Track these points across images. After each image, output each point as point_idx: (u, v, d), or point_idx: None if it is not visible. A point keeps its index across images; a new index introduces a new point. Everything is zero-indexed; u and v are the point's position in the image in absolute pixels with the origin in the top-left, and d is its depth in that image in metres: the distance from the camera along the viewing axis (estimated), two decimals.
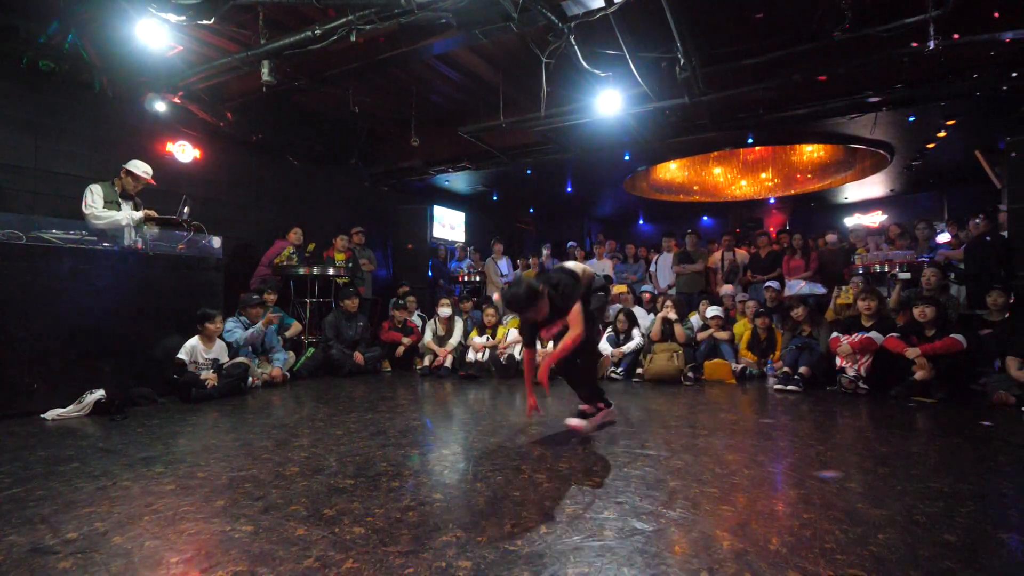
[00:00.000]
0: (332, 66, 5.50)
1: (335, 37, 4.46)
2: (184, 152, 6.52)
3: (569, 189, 11.18)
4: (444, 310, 6.25)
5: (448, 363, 5.95)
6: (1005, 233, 5.43)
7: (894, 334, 4.59)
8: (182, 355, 4.37)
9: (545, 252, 9.46)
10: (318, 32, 4.46)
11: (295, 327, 5.92)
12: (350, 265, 7.06)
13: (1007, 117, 6.85)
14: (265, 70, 4.86)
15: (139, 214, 4.68)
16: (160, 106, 5.77)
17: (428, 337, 6.21)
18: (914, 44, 4.71)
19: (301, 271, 6.35)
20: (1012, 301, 4.69)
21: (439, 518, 1.91)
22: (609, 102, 5.70)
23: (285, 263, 6.45)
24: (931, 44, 4.55)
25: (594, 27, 4.56)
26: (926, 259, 5.99)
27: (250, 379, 4.76)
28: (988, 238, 5.48)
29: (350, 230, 7.49)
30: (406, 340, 6.26)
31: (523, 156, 8.16)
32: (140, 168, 4.78)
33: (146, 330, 4.40)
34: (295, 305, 6.47)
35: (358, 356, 5.86)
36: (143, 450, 2.84)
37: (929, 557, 1.60)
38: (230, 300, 5.38)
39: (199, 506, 2.03)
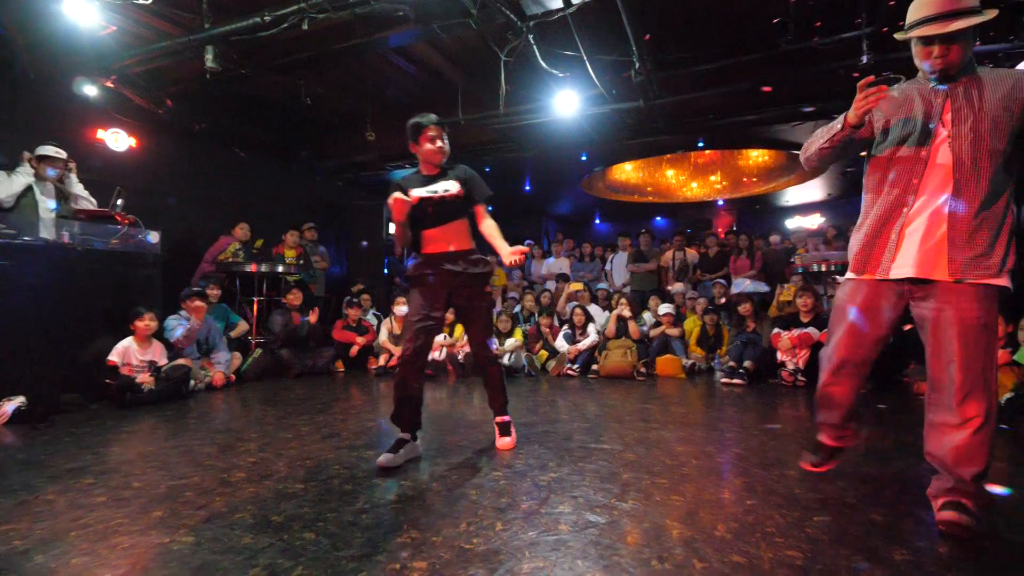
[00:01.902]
0: (283, 55, 5.30)
1: (286, 25, 4.30)
2: (118, 140, 6.14)
3: (528, 188, 11.22)
4: (401, 308, 6.14)
5: None
6: None
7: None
8: (113, 357, 4.10)
9: None
10: (267, 18, 4.30)
11: (241, 327, 5.68)
12: (301, 262, 6.84)
13: None
14: (209, 56, 4.64)
15: (52, 203, 4.25)
16: (90, 90, 5.40)
17: (384, 336, 6.09)
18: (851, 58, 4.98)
19: (248, 268, 6.10)
20: None
21: (394, 520, 1.87)
22: (567, 102, 5.75)
23: (230, 259, 6.18)
24: (864, 58, 4.84)
25: (553, 27, 4.59)
26: None
27: (192, 382, 4.53)
28: None
29: (301, 226, 7.25)
30: (360, 339, 6.12)
31: (482, 154, 8.13)
32: (51, 149, 4.33)
33: (74, 331, 4.09)
34: (241, 304, 6.21)
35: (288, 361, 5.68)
36: (70, 460, 2.65)
37: (858, 536, 1.71)
38: (171, 299, 5.11)
39: (134, 518, 1.91)
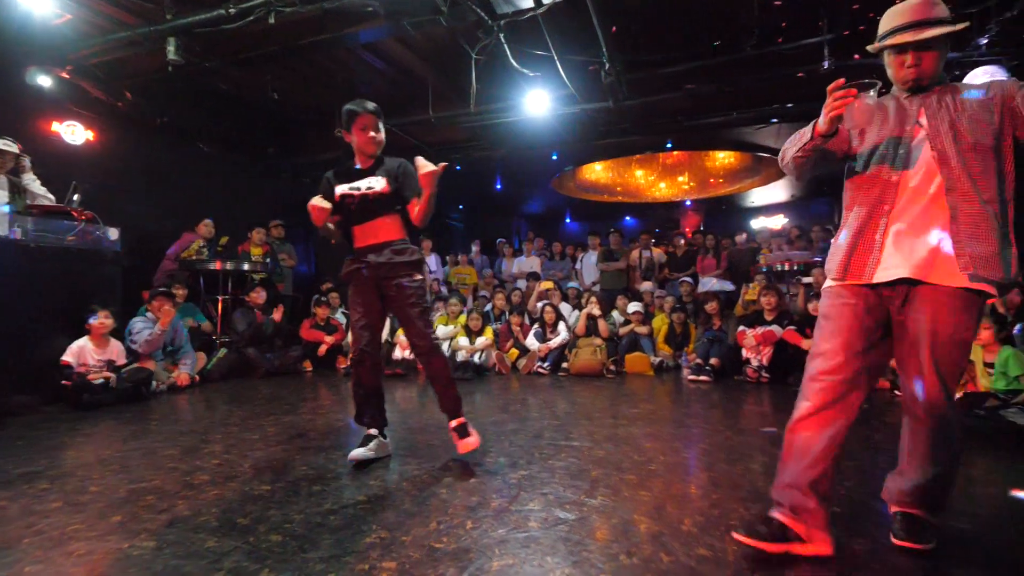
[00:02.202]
0: (249, 48, 5.17)
1: (252, 18, 4.21)
2: (74, 133, 5.90)
3: (499, 186, 11.23)
4: None
5: None
6: None
7: (792, 327, 5.00)
8: (67, 357, 3.93)
9: (475, 249, 9.45)
10: (232, 11, 4.19)
11: (204, 327, 5.54)
12: (268, 260, 6.69)
13: None
14: (171, 48, 4.49)
15: (4, 200, 4.05)
16: (44, 81, 5.18)
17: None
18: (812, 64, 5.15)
19: (212, 266, 5.94)
20: None
21: (363, 520, 1.85)
22: (537, 102, 5.78)
23: (194, 257, 6.01)
24: (825, 64, 5.01)
25: (524, 27, 4.60)
26: (819, 259, 6.57)
27: (154, 383, 4.39)
28: None
29: (268, 223, 7.09)
30: (329, 338, 6.03)
31: (452, 152, 8.10)
32: (1, 142, 4.15)
33: (27, 330, 3.92)
34: (205, 302, 6.04)
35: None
36: (23, 464, 2.54)
37: None
38: (132, 297, 4.94)
39: (91, 523, 1.85)
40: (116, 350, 4.24)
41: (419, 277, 2.60)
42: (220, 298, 6.00)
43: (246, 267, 6.22)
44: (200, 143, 7.27)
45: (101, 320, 4.12)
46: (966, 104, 1.56)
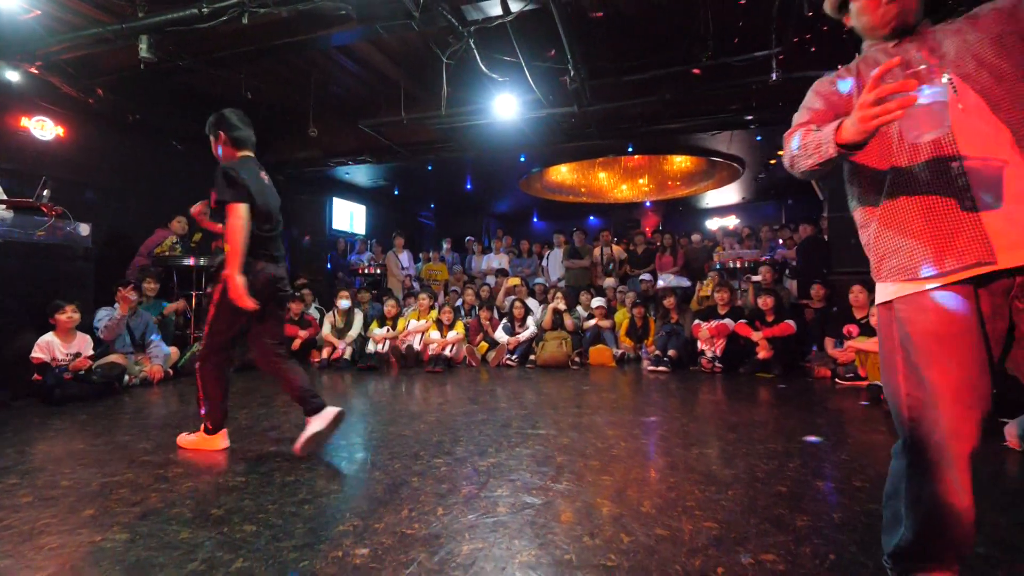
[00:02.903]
0: (222, 48, 4.98)
1: (225, 18, 4.05)
2: (44, 129, 5.60)
3: (469, 186, 11.17)
4: (343, 302, 5.98)
5: (347, 355, 5.72)
6: (826, 236, 6.28)
7: (743, 320, 5.16)
8: (37, 353, 3.76)
9: (445, 246, 9.40)
10: (205, 10, 4.03)
11: (175, 304, 5.38)
12: None
13: None
14: (143, 46, 4.29)
15: None
16: (12, 76, 4.89)
17: (326, 330, 5.91)
18: (763, 75, 5.29)
19: (186, 262, 5.73)
20: (829, 293, 5.46)
21: (336, 509, 1.83)
22: (506, 106, 5.77)
23: (167, 253, 5.79)
24: (774, 76, 5.15)
25: (493, 33, 4.58)
26: (767, 257, 6.78)
27: (127, 377, 4.22)
28: (813, 240, 6.32)
29: None
30: (303, 333, 5.90)
31: (424, 152, 8.01)
32: None
33: None
34: (179, 298, 5.82)
35: None
36: None
37: (765, 506, 1.83)
38: (104, 293, 4.73)
39: (63, 517, 1.77)
40: (83, 343, 4.05)
41: (219, 285, 2.48)
42: (194, 293, 5.80)
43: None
44: (174, 141, 7.00)
45: (68, 314, 3.93)
46: (976, 29, 1.14)
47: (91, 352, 4.06)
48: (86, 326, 4.19)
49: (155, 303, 5.28)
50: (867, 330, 4.29)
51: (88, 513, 1.80)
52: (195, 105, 6.85)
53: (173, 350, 4.95)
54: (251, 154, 2.69)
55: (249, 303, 2.32)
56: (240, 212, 2.39)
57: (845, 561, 1.44)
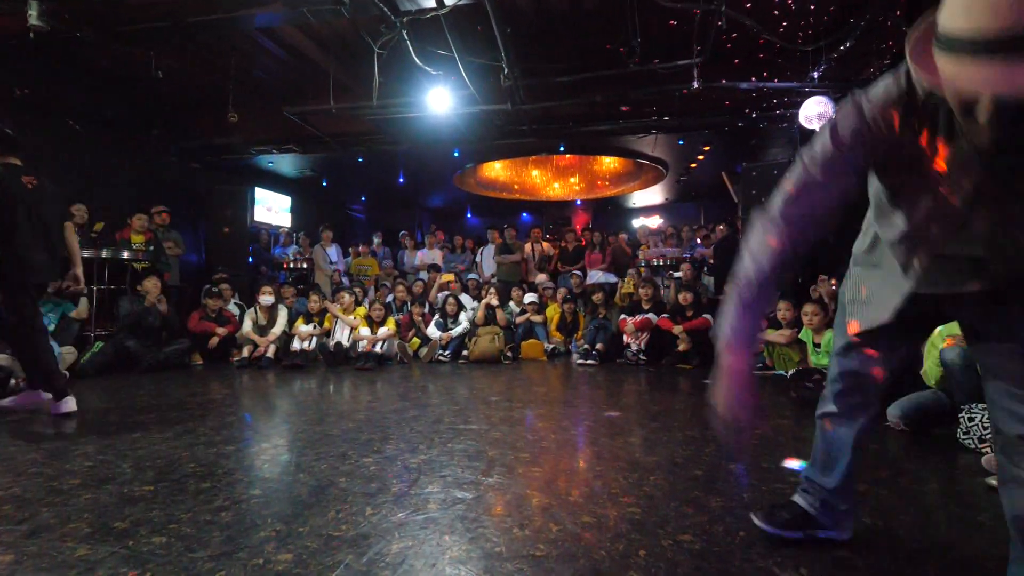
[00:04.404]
0: (128, 21, 4.57)
1: None
2: None
3: (401, 180, 10.93)
4: (266, 298, 5.67)
5: (270, 353, 5.43)
6: (740, 236, 6.74)
7: (665, 315, 5.43)
8: None
9: (376, 240, 9.15)
10: None
11: (83, 305, 4.88)
12: (151, 248, 5.98)
13: (744, 147, 8.47)
14: (33, 12, 3.85)
15: None
16: None
17: (247, 327, 5.58)
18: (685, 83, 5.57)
19: (86, 254, 5.19)
20: None
21: (257, 515, 1.73)
22: (439, 100, 5.69)
23: None
24: (695, 84, 5.43)
25: (427, 25, 4.50)
26: (688, 255, 7.18)
27: (13, 381, 3.77)
28: (729, 240, 6.76)
29: (151, 209, 6.34)
30: (221, 330, 5.53)
31: (354, 144, 7.76)
32: None
33: None
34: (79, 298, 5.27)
35: None
36: None
37: (684, 489, 1.94)
38: None
39: None
40: None
41: None
42: (95, 288, 5.26)
43: (126, 255, 5.52)
44: (71, 120, 6.31)
45: None
46: None
47: None
48: None
49: (56, 302, 4.75)
50: (774, 324, 4.65)
51: None
52: (97, 83, 6.24)
53: (68, 350, 4.48)
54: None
55: None
56: None
57: (752, 537, 1.55)
